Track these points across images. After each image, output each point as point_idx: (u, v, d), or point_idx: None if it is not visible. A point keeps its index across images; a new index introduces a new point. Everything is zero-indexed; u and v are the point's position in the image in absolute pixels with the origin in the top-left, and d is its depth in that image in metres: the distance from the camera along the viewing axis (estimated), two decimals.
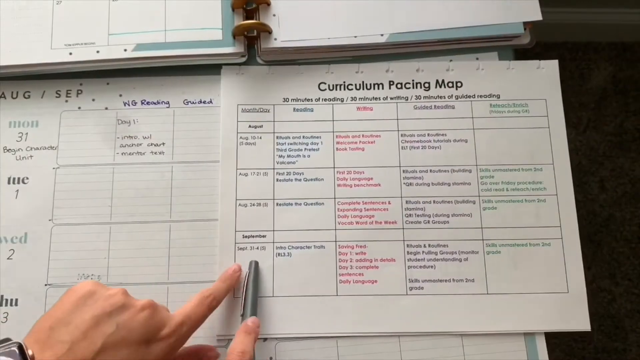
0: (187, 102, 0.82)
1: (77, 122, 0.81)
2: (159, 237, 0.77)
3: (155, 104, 0.82)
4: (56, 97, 0.82)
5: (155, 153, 0.80)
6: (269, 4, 0.83)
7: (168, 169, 0.79)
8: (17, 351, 0.52)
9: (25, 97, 0.82)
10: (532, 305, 0.75)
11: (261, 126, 0.81)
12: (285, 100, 0.82)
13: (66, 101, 0.82)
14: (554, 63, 0.83)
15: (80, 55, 0.81)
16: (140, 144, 0.80)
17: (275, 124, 0.81)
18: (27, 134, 0.80)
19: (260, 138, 0.80)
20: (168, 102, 0.82)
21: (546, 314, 0.75)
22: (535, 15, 0.83)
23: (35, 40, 0.81)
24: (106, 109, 0.82)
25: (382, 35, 0.82)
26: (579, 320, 0.75)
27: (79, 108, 0.82)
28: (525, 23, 0.83)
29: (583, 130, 1.96)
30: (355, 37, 0.82)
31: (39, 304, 0.75)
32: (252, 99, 0.81)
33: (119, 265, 0.76)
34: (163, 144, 0.80)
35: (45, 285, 0.76)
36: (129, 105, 0.82)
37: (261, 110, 0.81)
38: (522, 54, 0.85)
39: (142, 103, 0.82)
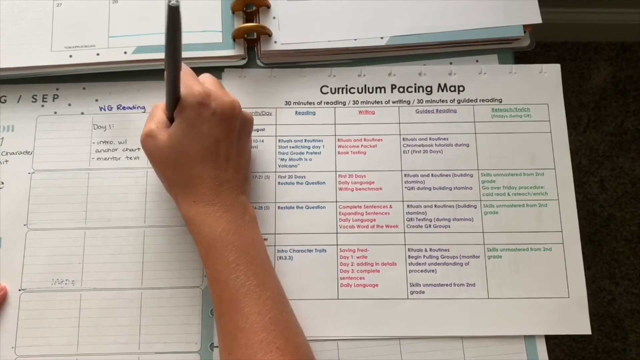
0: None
1: (53, 127, 0.80)
2: (133, 243, 0.76)
3: (131, 108, 0.80)
4: (32, 101, 0.81)
5: (131, 158, 0.79)
6: (269, 7, 0.82)
7: (143, 174, 0.78)
8: None
9: (1, 102, 0.81)
10: (533, 309, 0.74)
11: (263, 129, 0.79)
12: (287, 103, 0.80)
13: (42, 106, 0.80)
14: (556, 67, 0.81)
15: (81, 57, 0.79)
16: (116, 149, 0.79)
17: (277, 127, 0.80)
18: (2, 138, 0.79)
19: (262, 141, 0.79)
20: (144, 107, 0.80)
21: (547, 318, 0.73)
22: (535, 18, 0.82)
23: (36, 42, 0.80)
24: (82, 113, 0.80)
25: (382, 38, 0.81)
26: (579, 324, 0.73)
27: (55, 113, 0.80)
28: (525, 26, 0.82)
29: (583, 130, 1.95)
30: (355, 40, 0.81)
31: (12, 309, 0.74)
32: (254, 102, 0.80)
33: (94, 270, 0.75)
34: (138, 149, 0.79)
35: (19, 290, 0.74)
36: (105, 110, 0.80)
37: (263, 113, 0.80)
38: (522, 54, 0.83)
39: (118, 108, 0.80)
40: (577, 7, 1.92)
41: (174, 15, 0.56)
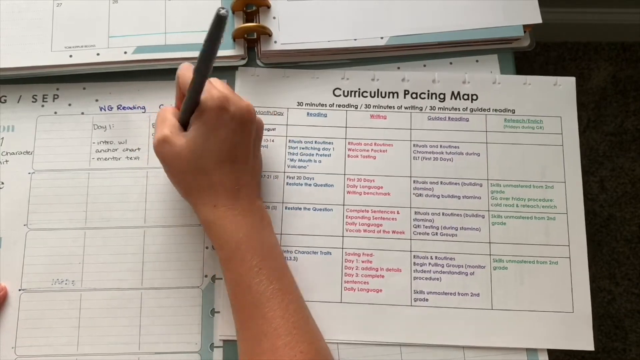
0: (163, 107, 0.78)
1: (53, 127, 0.78)
2: (133, 243, 0.75)
3: (131, 109, 0.79)
4: (32, 101, 0.79)
5: (131, 158, 0.77)
6: (269, 7, 0.80)
7: (143, 174, 0.77)
8: None
9: (1, 102, 0.79)
10: (537, 322, 0.72)
11: (274, 129, 0.78)
12: (300, 104, 0.79)
13: (42, 106, 0.79)
14: (571, 80, 0.79)
15: (81, 57, 0.78)
16: (116, 149, 0.77)
17: (288, 128, 0.78)
18: (3, 138, 0.78)
19: (273, 141, 0.77)
20: (144, 107, 0.79)
21: (550, 332, 0.72)
22: (535, 18, 0.80)
23: (36, 42, 0.79)
24: (82, 114, 0.79)
25: (382, 38, 0.79)
26: (582, 340, 0.72)
27: (55, 113, 0.79)
28: (525, 26, 0.80)
29: (583, 130, 1.93)
30: (355, 39, 0.79)
31: (12, 309, 0.73)
32: (266, 102, 0.78)
33: (94, 270, 0.74)
34: (138, 149, 0.77)
35: (19, 290, 0.73)
36: (105, 110, 0.79)
37: (275, 113, 0.78)
38: (522, 53, 0.82)
39: (118, 108, 0.79)
40: (577, 7, 1.90)
41: (220, 24, 0.55)
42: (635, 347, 1.77)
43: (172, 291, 0.73)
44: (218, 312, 0.72)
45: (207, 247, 0.74)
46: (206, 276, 0.74)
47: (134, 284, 0.73)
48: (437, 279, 0.73)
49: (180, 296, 0.73)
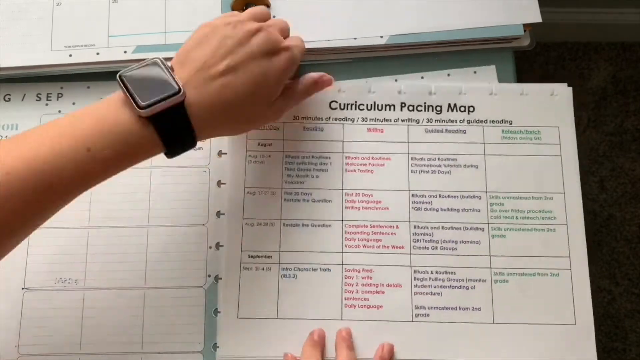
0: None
1: None
2: (136, 242, 0.74)
3: None
4: (37, 100, 0.79)
5: None
6: (268, 6, 0.80)
7: (147, 173, 0.76)
8: (159, 61, 0.61)
9: (5, 100, 0.79)
10: (539, 335, 0.71)
11: (270, 144, 0.76)
12: (296, 118, 0.77)
13: (46, 104, 0.79)
14: (568, 90, 0.78)
15: (80, 57, 0.78)
16: None
17: (285, 143, 0.76)
18: (6, 137, 0.77)
19: (269, 156, 0.76)
20: None
21: (553, 345, 0.71)
22: (535, 17, 0.80)
23: (35, 41, 0.79)
24: None
25: (381, 37, 0.79)
26: (585, 352, 0.71)
27: (60, 112, 0.79)
28: (524, 25, 0.80)
29: (583, 131, 1.92)
30: (355, 39, 0.79)
31: (15, 308, 0.72)
32: None
33: (97, 269, 0.73)
34: None
35: (22, 289, 0.73)
36: None
37: (271, 127, 0.77)
38: (522, 53, 0.81)
39: None
40: (577, 7, 1.89)
41: None
42: (635, 347, 1.76)
43: (175, 291, 0.73)
44: (220, 312, 0.72)
45: (210, 247, 0.74)
46: (209, 276, 0.73)
47: (137, 284, 0.73)
48: (438, 293, 0.72)
49: (183, 296, 0.73)
